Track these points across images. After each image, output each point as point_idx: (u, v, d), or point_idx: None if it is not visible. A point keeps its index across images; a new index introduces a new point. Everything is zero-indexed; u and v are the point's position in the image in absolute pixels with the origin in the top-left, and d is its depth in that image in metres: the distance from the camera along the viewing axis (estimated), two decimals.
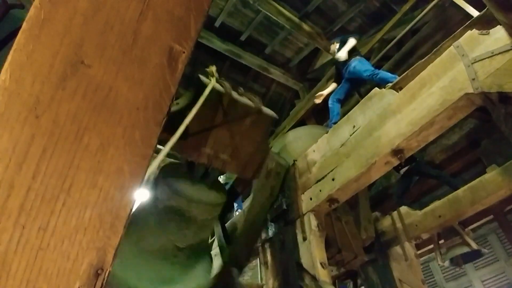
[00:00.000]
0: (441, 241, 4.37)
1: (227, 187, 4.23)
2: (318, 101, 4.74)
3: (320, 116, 6.43)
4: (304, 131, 5.10)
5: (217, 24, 6.63)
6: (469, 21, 2.69)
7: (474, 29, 2.48)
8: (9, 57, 0.64)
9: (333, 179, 3.10)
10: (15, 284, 0.55)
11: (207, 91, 2.24)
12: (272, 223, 3.69)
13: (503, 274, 6.00)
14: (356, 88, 4.71)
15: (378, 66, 4.85)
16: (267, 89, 8.28)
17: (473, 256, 4.40)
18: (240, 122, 3.27)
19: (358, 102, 3.36)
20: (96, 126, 0.67)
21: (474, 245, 4.07)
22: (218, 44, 6.78)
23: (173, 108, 2.96)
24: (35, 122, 0.62)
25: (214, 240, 4.23)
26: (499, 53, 2.23)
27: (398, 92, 2.91)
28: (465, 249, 4.08)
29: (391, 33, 5.17)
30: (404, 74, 3.08)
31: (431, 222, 3.92)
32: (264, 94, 8.35)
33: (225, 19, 6.62)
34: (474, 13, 3.42)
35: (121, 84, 0.70)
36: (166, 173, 3.35)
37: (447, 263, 4.47)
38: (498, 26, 2.29)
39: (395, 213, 4.39)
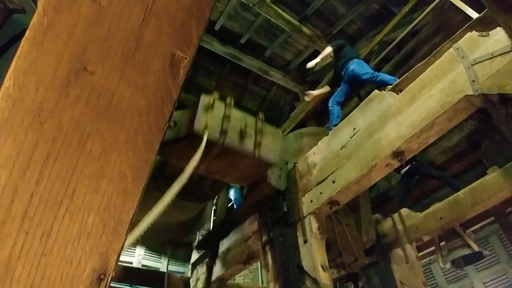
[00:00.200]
0: (442, 243, 4.36)
1: None
2: (307, 98, 4.86)
3: (320, 118, 6.43)
4: (305, 133, 5.11)
5: (217, 27, 6.65)
6: (468, 23, 2.70)
7: (473, 31, 2.49)
8: (13, 64, 0.64)
9: (333, 182, 3.10)
10: None
11: (203, 145, 2.29)
12: (272, 226, 3.69)
13: (505, 276, 5.98)
14: (356, 91, 4.72)
15: (378, 68, 4.86)
16: (267, 92, 8.30)
17: (474, 258, 4.39)
18: (234, 163, 3.36)
19: (358, 104, 3.36)
20: (99, 132, 0.67)
21: (475, 247, 4.06)
22: (218, 47, 6.80)
23: (169, 133, 3.02)
24: (39, 128, 0.63)
25: None
26: (499, 55, 2.24)
27: (398, 94, 2.91)
28: (466, 251, 4.07)
29: (390, 35, 5.17)
30: (404, 76, 3.09)
31: (432, 224, 3.92)
32: (264, 96, 8.36)
33: (225, 22, 6.64)
34: (474, 15, 3.43)
35: (124, 90, 0.70)
36: None
37: (448, 265, 4.47)
38: (498, 28, 2.30)
39: (396, 215, 4.39)
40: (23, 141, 0.61)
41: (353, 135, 3.11)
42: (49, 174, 0.62)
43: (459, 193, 3.76)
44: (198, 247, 5.29)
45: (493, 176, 3.45)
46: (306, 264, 3.03)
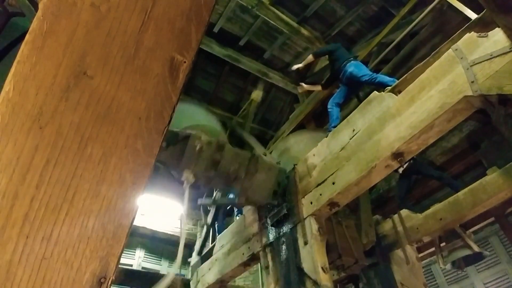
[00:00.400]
0: (443, 244, 4.36)
1: None
2: (299, 90, 5.00)
3: (319, 120, 6.43)
4: (305, 134, 5.11)
5: (216, 29, 6.66)
6: (467, 24, 2.71)
7: (472, 32, 2.50)
8: (13, 69, 0.64)
9: (333, 183, 3.10)
10: None
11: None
12: (272, 228, 3.69)
13: (505, 276, 5.98)
14: (354, 92, 4.72)
15: (377, 69, 4.86)
16: (266, 94, 8.31)
17: (474, 258, 4.38)
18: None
19: (357, 106, 3.37)
20: (99, 136, 0.67)
21: (476, 248, 4.05)
22: (217, 50, 6.81)
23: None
24: (39, 133, 0.63)
25: None
26: (498, 55, 2.24)
27: (397, 95, 2.92)
28: (467, 252, 4.07)
29: (389, 36, 5.18)
30: (403, 77, 3.09)
31: (432, 225, 3.92)
32: (264, 98, 8.37)
33: (224, 25, 6.65)
34: (473, 15, 3.44)
35: (123, 94, 0.71)
36: None
37: (448, 266, 4.46)
38: (497, 29, 2.30)
39: (396, 216, 4.39)
40: (23, 146, 0.61)
41: (353, 136, 3.11)
42: (49, 178, 0.62)
43: (459, 193, 3.76)
44: None
45: (492, 176, 3.46)
46: (306, 265, 3.02)
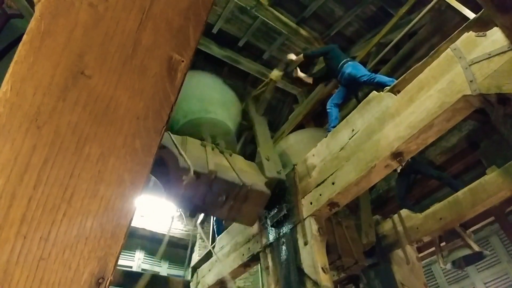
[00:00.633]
0: (443, 244, 4.36)
1: None
2: (294, 74, 4.91)
3: (319, 120, 6.44)
4: (305, 134, 5.11)
5: (214, 30, 6.66)
6: (465, 24, 2.71)
7: (471, 31, 2.50)
8: (10, 69, 0.64)
9: (333, 183, 3.10)
10: None
11: None
12: (272, 228, 3.68)
13: (506, 275, 5.97)
14: (353, 93, 4.73)
15: (376, 69, 4.86)
16: None
17: (475, 258, 4.38)
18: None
19: (356, 106, 3.37)
20: (97, 136, 0.67)
21: (476, 247, 4.05)
22: (216, 51, 6.81)
23: None
24: (37, 133, 0.63)
25: None
26: (497, 55, 2.25)
27: (396, 95, 2.92)
28: (467, 251, 4.07)
29: (388, 36, 5.18)
30: (402, 77, 3.09)
31: (432, 225, 3.92)
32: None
33: (223, 26, 6.65)
34: (471, 15, 3.44)
35: (122, 94, 0.70)
36: None
37: (449, 266, 4.46)
38: (495, 28, 2.30)
39: (395, 216, 4.39)
40: (21, 146, 0.61)
41: (352, 136, 3.11)
42: (47, 179, 0.62)
43: (458, 193, 3.77)
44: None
45: (492, 176, 3.46)
46: (306, 266, 3.02)
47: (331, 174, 3.16)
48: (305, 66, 4.96)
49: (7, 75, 0.64)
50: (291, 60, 4.81)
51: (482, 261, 5.35)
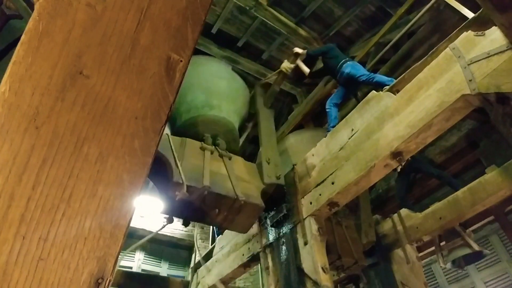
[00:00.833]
0: (443, 243, 4.36)
1: None
2: (293, 62, 4.79)
3: (318, 120, 6.44)
4: (304, 134, 5.11)
5: (214, 30, 6.66)
6: (464, 23, 2.71)
7: (469, 31, 2.50)
8: (8, 69, 0.64)
9: (332, 183, 3.10)
10: None
11: None
12: (272, 228, 3.68)
13: (506, 275, 5.98)
14: (352, 92, 4.73)
15: (375, 69, 4.86)
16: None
17: (475, 257, 4.39)
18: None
19: (355, 105, 3.37)
20: (96, 136, 0.67)
21: (476, 247, 4.06)
22: (215, 51, 6.81)
23: None
24: (35, 133, 0.63)
25: None
26: (496, 54, 2.25)
27: (395, 94, 2.92)
28: (467, 251, 4.08)
29: (387, 36, 5.18)
30: (401, 76, 3.09)
31: (432, 224, 3.92)
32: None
33: (222, 26, 6.65)
34: (470, 14, 3.44)
35: (120, 94, 0.70)
36: None
37: (449, 265, 4.46)
38: (494, 27, 2.31)
39: (395, 216, 4.39)
40: (19, 146, 0.61)
41: (351, 136, 3.11)
42: (45, 179, 0.62)
43: (458, 192, 3.77)
44: None
45: (492, 175, 3.46)
46: (306, 266, 3.02)
47: (331, 174, 3.16)
48: (307, 65, 4.91)
49: (6, 75, 0.64)
50: (296, 53, 4.77)
51: (482, 260, 5.35)
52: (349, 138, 3.13)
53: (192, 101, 3.95)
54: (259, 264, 4.32)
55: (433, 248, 4.75)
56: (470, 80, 2.31)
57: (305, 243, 3.13)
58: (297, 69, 4.82)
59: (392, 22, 4.93)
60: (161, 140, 0.77)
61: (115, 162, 0.68)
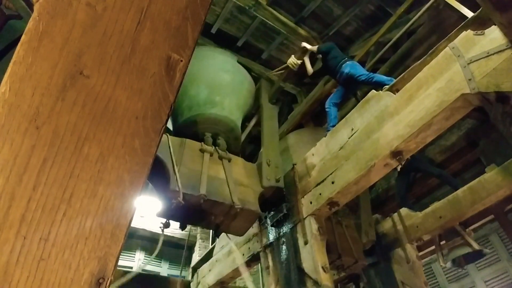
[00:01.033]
0: (443, 242, 4.37)
1: None
2: (300, 58, 4.76)
3: (318, 120, 6.44)
4: (304, 133, 5.11)
5: (213, 30, 6.66)
6: (464, 22, 2.71)
7: (469, 30, 2.50)
8: (9, 70, 0.64)
9: (332, 182, 3.10)
10: None
11: None
12: (272, 228, 3.68)
13: (506, 274, 5.98)
14: (352, 92, 4.73)
15: (374, 68, 4.86)
16: None
17: (475, 256, 4.39)
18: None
19: (355, 105, 3.37)
20: (96, 136, 0.67)
21: (476, 246, 4.06)
22: None
23: None
24: (35, 133, 0.63)
25: None
26: (495, 53, 2.25)
27: (395, 94, 2.92)
28: (467, 250, 4.08)
29: (386, 35, 5.18)
30: (400, 76, 3.09)
31: (432, 224, 3.93)
32: None
33: (222, 26, 6.65)
34: (469, 14, 3.44)
35: (120, 93, 0.70)
36: None
37: (449, 264, 4.46)
38: (493, 26, 2.31)
39: (395, 215, 4.39)
40: (20, 146, 0.61)
41: (351, 135, 3.11)
42: (46, 179, 0.62)
43: (458, 191, 3.77)
44: None
45: (491, 174, 3.46)
46: (306, 265, 3.02)
47: (331, 173, 3.16)
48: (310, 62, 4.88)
49: (6, 76, 0.64)
50: (304, 48, 4.71)
51: (482, 260, 5.36)
52: (349, 138, 3.13)
53: (194, 97, 3.87)
54: (259, 264, 4.32)
55: (433, 247, 4.75)
56: (470, 79, 2.32)
57: (305, 243, 3.13)
58: (301, 66, 4.77)
59: (391, 22, 4.93)
60: (161, 142, 0.77)
61: (115, 162, 0.68)
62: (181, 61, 0.77)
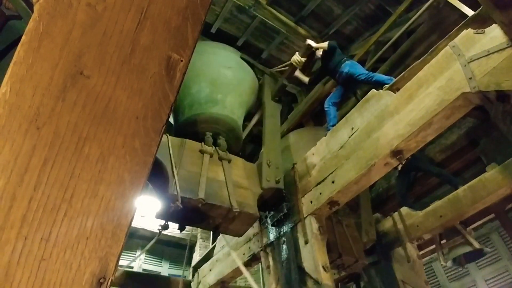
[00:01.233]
0: (443, 241, 4.37)
1: None
2: (303, 52, 4.67)
3: (318, 119, 6.43)
4: (304, 133, 5.11)
5: (213, 30, 6.66)
6: (464, 21, 2.71)
7: (469, 29, 2.50)
8: (9, 70, 0.64)
9: (333, 182, 3.10)
10: None
11: None
12: (273, 227, 3.68)
13: (507, 272, 5.99)
14: (351, 91, 4.72)
15: (374, 68, 4.86)
16: None
17: (475, 255, 4.39)
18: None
19: (355, 104, 3.36)
20: (96, 136, 0.67)
21: (477, 245, 4.06)
22: None
23: None
24: (36, 134, 0.63)
25: None
26: (495, 52, 2.25)
27: (395, 93, 2.92)
28: (468, 249, 4.08)
29: (386, 35, 5.18)
30: (400, 75, 3.09)
31: (432, 223, 3.93)
32: None
33: (221, 25, 6.65)
34: (469, 12, 3.44)
35: (120, 93, 0.71)
36: None
37: (449, 263, 4.46)
38: (493, 25, 2.30)
39: (396, 214, 4.39)
40: (21, 147, 0.61)
41: (351, 135, 3.11)
42: (47, 179, 0.62)
43: (458, 190, 3.77)
44: None
45: (492, 173, 3.46)
46: (307, 265, 3.02)
47: (331, 173, 3.16)
48: (307, 63, 4.83)
49: (6, 76, 0.64)
50: (309, 45, 4.64)
51: (483, 258, 5.36)
52: (349, 137, 3.13)
53: (195, 94, 3.82)
54: (259, 264, 4.32)
55: (433, 246, 4.75)
56: (470, 78, 2.31)
57: (306, 242, 3.13)
58: (305, 63, 4.68)
59: (391, 21, 4.93)
60: (161, 143, 0.77)
61: (116, 162, 0.68)
62: (181, 61, 0.77)
